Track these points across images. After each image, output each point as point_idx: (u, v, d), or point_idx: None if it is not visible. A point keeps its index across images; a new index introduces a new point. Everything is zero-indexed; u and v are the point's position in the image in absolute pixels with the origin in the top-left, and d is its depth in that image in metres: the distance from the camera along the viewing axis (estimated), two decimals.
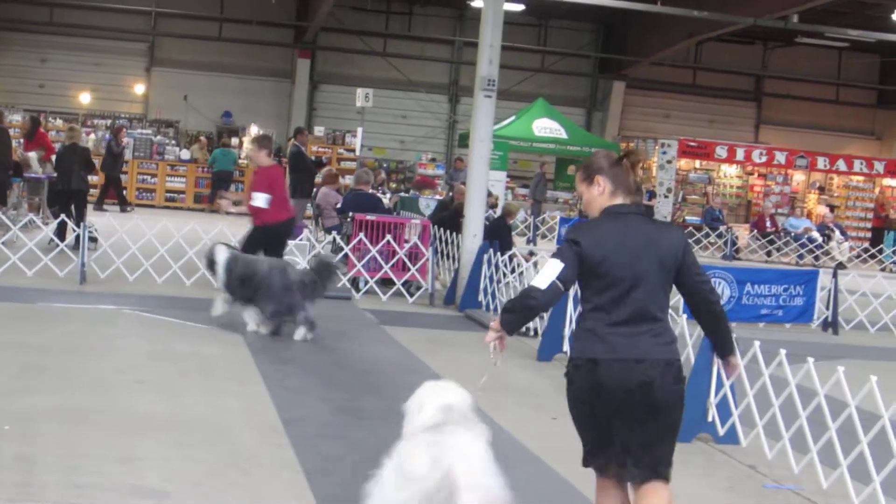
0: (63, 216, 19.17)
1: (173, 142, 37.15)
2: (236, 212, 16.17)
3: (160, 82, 42.49)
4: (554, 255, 6.17)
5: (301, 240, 18.26)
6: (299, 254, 17.78)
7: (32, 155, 23.45)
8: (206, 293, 16.32)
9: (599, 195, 6.32)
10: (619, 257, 6.07)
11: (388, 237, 17.89)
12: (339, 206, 20.24)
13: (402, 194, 30.77)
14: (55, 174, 21.69)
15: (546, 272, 6.10)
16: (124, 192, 32.11)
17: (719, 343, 6.45)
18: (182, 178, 35.02)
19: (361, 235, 17.70)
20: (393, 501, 6.32)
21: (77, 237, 17.34)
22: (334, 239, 18.77)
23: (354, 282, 17.79)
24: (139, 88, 42.54)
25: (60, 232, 18.74)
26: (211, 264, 14.02)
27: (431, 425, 6.43)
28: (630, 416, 5.97)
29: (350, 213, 18.76)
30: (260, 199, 14.39)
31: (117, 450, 8.07)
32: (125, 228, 18.16)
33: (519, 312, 6.23)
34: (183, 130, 39.97)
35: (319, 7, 38.85)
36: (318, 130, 37.06)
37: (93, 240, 17.75)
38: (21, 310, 14.02)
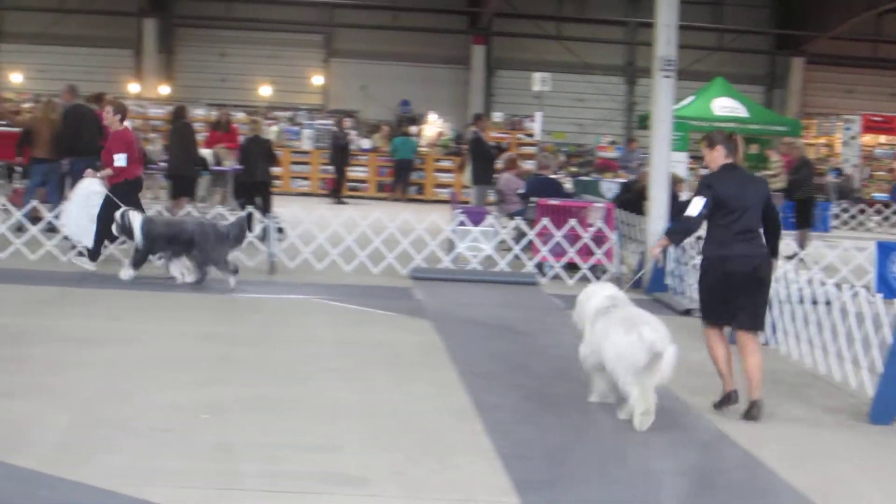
0: (250, 208, 19.47)
1: (354, 131, 37.52)
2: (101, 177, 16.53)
3: (338, 73, 42.96)
4: (697, 194, 9.83)
5: (486, 226, 18.26)
6: (485, 240, 17.81)
7: (214, 151, 23.89)
8: (394, 281, 16.50)
9: (719, 156, 9.96)
10: (735, 195, 9.71)
11: (572, 221, 17.76)
12: (521, 191, 20.20)
13: (582, 177, 30.60)
14: (240, 166, 22.08)
15: (695, 206, 9.78)
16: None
17: (773, 246, 9.92)
18: (364, 168, 35.35)
19: (545, 220, 17.61)
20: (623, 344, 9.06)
21: (264, 228, 17.61)
22: (517, 224, 18.70)
23: (540, 267, 17.70)
24: (317, 80, 43.05)
25: (247, 223, 19.03)
26: (123, 229, 15.43)
27: (604, 308, 9.66)
28: (746, 288, 9.63)
29: (533, 198, 18.70)
30: (121, 160, 15.94)
31: (313, 438, 8.15)
32: (311, 218, 18.37)
33: (681, 232, 10.34)
34: (363, 120, 40.32)
35: None
36: (497, 116, 37.05)
37: (280, 230, 18.00)
38: (214, 301, 14.29)
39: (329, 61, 43.25)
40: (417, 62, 42.53)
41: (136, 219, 15.44)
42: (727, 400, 9.68)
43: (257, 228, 18.59)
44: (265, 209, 20.12)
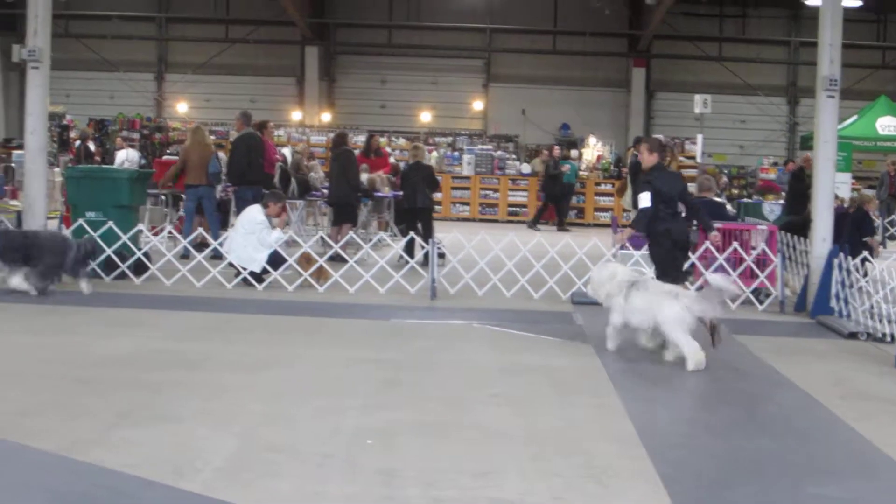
0: (411, 233, 19.62)
1: (513, 156, 37.57)
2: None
3: (498, 97, 43.09)
4: (644, 191, 13.52)
5: (647, 250, 18.09)
6: (647, 264, 17.65)
7: (369, 177, 24.10)
8: (555, 306, 16.46)
9: (653, 159, 13.68)
10: (669, 188, 13.55)
11: (735, 244, 17.53)
12: (682, 214, 20.00)
13: (744, 200, 30.21)
14: (400, 192, 22.25)
15: (645, 200, 13.47)
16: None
17: (703, 223, 14.60)
18: (524, 192, 35.37)
19: (707, 243, 17.41)
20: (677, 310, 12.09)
21: (426, 254, 17.70)
22: None
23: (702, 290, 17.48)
24: (477, 105, 43.22)
25: (409, 249, 19.18)
26: None
27: (630, 281, 12.54)
28: (683, 251, 13.96)
29: (695, 222, 18.50)
30: None
31: (476, 463, 8.12)
32: (472, 244, 18.42)
33: (640, 220, 13.71)
34: (522, 144, 40.36)
35: (653, 15, 38.63)
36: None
37: (441, 256, 18.07)
38: (376, 326, 14.40)
39: (489, 86, 43.40)
40: (577, 86, 42.45)
41: None
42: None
43: (419, 254, 18.71)
44: (426, 235, 20.24)
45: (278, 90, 42.41)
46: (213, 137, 29.48)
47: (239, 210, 19.51)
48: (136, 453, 7.97)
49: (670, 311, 12.10)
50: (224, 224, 21.63)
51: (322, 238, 18.87)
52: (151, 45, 43.47)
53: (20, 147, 30.98)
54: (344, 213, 21.08)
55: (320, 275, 17.54)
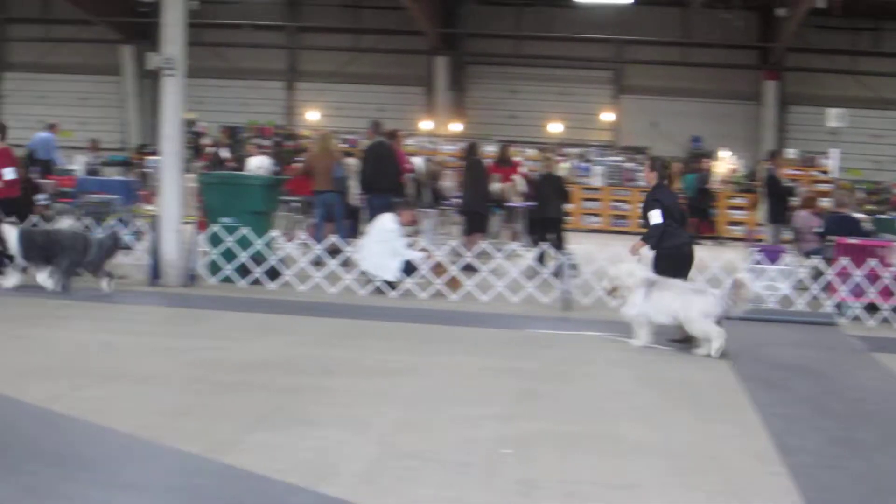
0: (543, 244, 19.60)
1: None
2: None
3: (628, 109, 42.86)
4: (654, 209, 14.31)
5: (782, 265, 17.91)
6: (782, 279, 17.47)
7: (501, 187, 24.11)
8: None
9: (654, 177, 14.78)
10: (672, 204, 14.47)
11: (872, 261, 17.23)
12: (818, 229, 19.75)
13: (880, 216, 29.69)
14: (532, 203, 22.23)
15: (656, 217, 14.25)
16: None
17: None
18: None
19: (844, 259, 17.14)
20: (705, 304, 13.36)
21: (558, 265, 17.68)
22: (815, 264, 18.24)
23: (839, 307, 17.21)
24: (607, 116, 43.05)
25: (540, 259, 19.15)
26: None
27: (651, 280, 13.73)
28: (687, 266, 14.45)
29: (830, 237, 18.25)
30: (10, 173, 17.31)
31: (613, 476, 8.07)
32: (604, 255, 18.34)
33: (653, 236, 14.38)
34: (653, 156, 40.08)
35: (784, 28, 38.15)
36: (790, 153, 36.34)
37: (573, 267, 18.03)
38: (510, 336, 14.42)
39: (619, 98, 43.20)
40: (708, 98, 42.05)
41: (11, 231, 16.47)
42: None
43: (551, 265, 18.68)
44: (558, 246, 20.21)
45: (407, 100, 42.64)
46: (343, 146, 29.72)
47: (370, 218, 19.65)
48: (276, 457, 8.04)
49: (698, 306, 13.28)
50: (355, 231, 21.80)
51: (454, 247, 18.91)
52: (282, 53, 43.93)
53: (154, 153, 31.52)
54: (475, 222, 21.12)
55: (452, 284, 17.58)
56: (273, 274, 17.89)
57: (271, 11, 42.76)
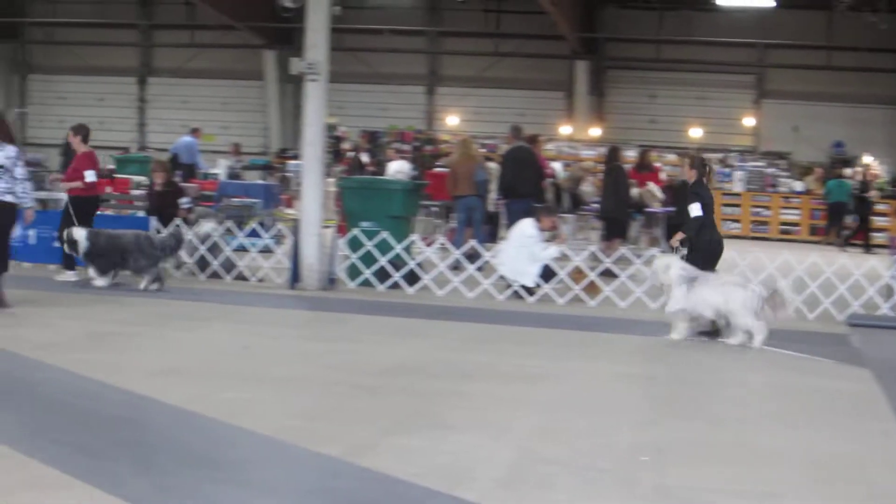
0: (681, 250, 19.44)
1: (786, 173, 36.87)
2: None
3: (769, 114, 42.24)
4: (694, 202, 14.98)
5: None
6: None
7: (640, 192, 23.99)
8: (829, 327, 16.11)
9: (693, 174, 15.24)
10: (710, 200, 15.24)
11: None
12: None
13: None
14: (671, 208, 22.07)
15: (696, 209, 14.90)
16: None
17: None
18: (796, 210, 34.69)
19: None
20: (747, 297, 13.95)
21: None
22: None
23: None
24: (748, 121, 42.51)
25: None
26: (72, 243, 16.86)
27: (690, 275, 14.07)
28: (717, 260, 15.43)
29: None
30: (91, 175, 17.35)
31: (752, 485, 7.99)
32: (745, 262, 18.17)
33: (693, 226, 15.01)
34: (794, 162, 39.53)
35: None
36: None
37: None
38: (648, 342, 14.35)
39: (760, 102, 42.62)
40: (850, 102, 41.25)
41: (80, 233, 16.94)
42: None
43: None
44: None
45: (547, 104, 42.54)
46: (482, 150, 29.80)
47: (509, 223, 19.69)
48: (413, 461, 8.11)
49: (741, 297, 13.93)
50: (494, 236, 21.85)
51: (593, 252, 18.86)
52: (423, 58, 44.14)
53: (295, 157, 31.93)
54: (614, 228, 21.04)
55: (591, 289, 17.53)
56: (412, 278, 18.00)
57: (412, 16, 43.04)
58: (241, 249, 19.52)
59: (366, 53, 42.69)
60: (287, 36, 40.87)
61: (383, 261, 17.87)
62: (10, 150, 14.26)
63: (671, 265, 14.37)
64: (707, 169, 15.87)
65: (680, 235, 15.32)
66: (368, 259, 18.00)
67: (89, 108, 44.06)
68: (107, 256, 16.96)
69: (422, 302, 16.96)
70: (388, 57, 43.19)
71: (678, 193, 21.53)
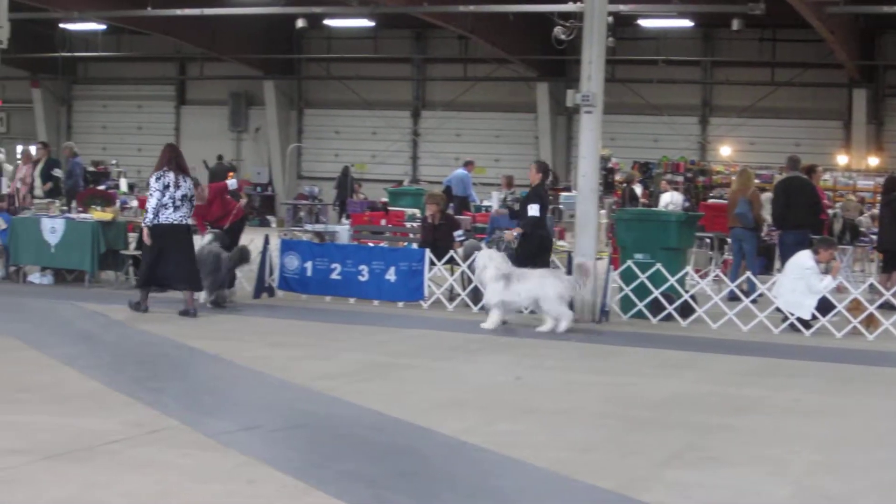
0: None
1: None
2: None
3: None
4: (533, 203, 17.67)
5: None
6: None
7: None
8: None
9: (537, 177, 18.15)
10: (546, 200, 18.73)
11: None
12: None
13: None
14: None
15: (534, 210, 17.61)
16: None
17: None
18: None
19: None
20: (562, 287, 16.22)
21: None
22: None
23: None
24: None
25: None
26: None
27: (507, 273, 16.10)
28: (548, 252, 18.63)
29: None
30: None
31: None
32: None
33: (531, 225, 17.87)
34: None
35: None
36: None
37: None
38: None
39: None
40: None
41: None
42: None
43: None
44: None
45: (823, 133, 41.54)
46: (756, 181, 29.30)
47: (782, 254, 19.32)
48: (691, 495, 8.02)
49: (553, 289, 16.07)
50: (769, 268, 21.44)
51: (872, 285, 18.32)
52: (696, 88, 43.70)
53: (567, 189, 31.98)
54: (894, 259, 20.36)
55: (870, 322, 17.02)
56: (685, 310, 17.80)
57: (685, 47, 42.65)
58: None
59: (638, 84, 42.54)
60: (560, 68, 41.10)
61: (657, 293, 17.73)
62: (190, 182, 16.96)
63: (492, 259, 16.42)
64: (549, 173, 19.36)
65: (517, 231, 18.19)
66: (642, 291, 17.89)
67: (363, 142, 45.21)
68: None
69: (695, 334, 16.75)
70: (660, 88, 42.91)
71: None
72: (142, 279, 17.18)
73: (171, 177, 16.59)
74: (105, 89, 49.66)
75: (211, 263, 17.49)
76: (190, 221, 17.12)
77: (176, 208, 16.58)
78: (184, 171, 16.84)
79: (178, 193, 16.60)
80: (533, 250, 17.77)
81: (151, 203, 16.58)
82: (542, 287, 16.10)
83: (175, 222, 16.60)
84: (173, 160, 16.77)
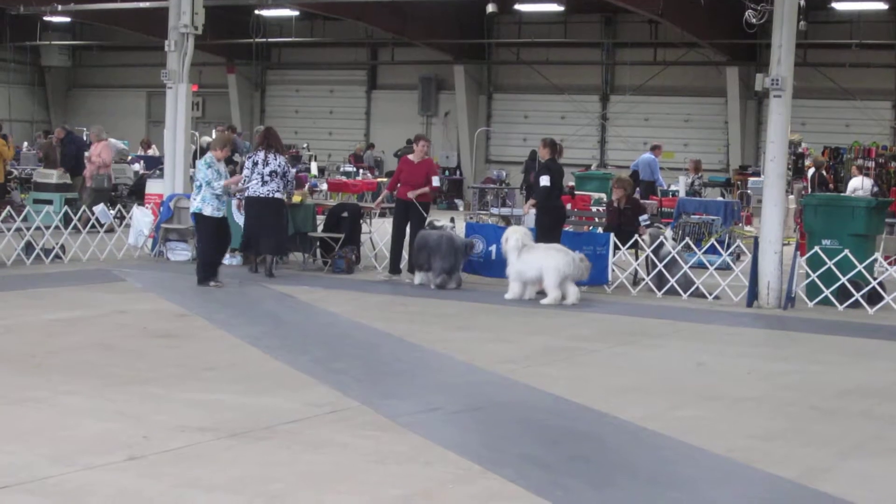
0: None
1: None
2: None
3: None
4: (543, 174, 18.58)
5: None
6: None
7: None
8: None
9: (547, 153, 18.91)
10: (559, 176, 18.84)
11: None
12: None
13: None
14: None
15: (545, 181, 18.45)
16: None
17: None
18: None
19: None
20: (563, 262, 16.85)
21: None
22: None
23: None
24: None
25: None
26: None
27: (524, 244, 17.02)
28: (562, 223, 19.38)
29: None
30: (435, 180, 19.75)
31: None
32: None
33: (544, 197, 18.62)
34: None
35: None
36: None
37: None
38: None
39: None
40: None
41: None
42: None
43: None
44: None
45: None
46: None
47: None
48: (872, 487, 7.94)
49: (553, 261, 16.81)
50: None
51: None
52: (890, 72, 42.58)
53: (755, 174, 31.59)
54: None
55: None
56: (873, 297, 17.48)
57: (879, 30, 41.66)
58: (700, 266, 19.52)
59: (830, 68, 41.69)
60: (750, 52, 40.50)
61: (844, 279, 17.45)
62: (282, 159, 18.65)
63: (510, 236, 17.27)
64: (557, 148, 19.02)
65: (533, 203, 18.99)
66: (829, 277, 17.62)
67: (551, 127, 45.10)
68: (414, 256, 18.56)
69: (883, 322, 16.43)
70: (853, 72, 41.99)
71: None
72: (242, 244, 19.39)
73: (260, 155, 18.49)
74: (298, 74, 50.43)
75: (444, 247, 18.11)
76: (279, 195, 18.58)
77: (264, 183, 18.37)
78: (278, 150, 18.64)
79: (267, 170, 18.36)
80: (550, 223, 18.57)
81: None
82: (546, 259, 16.89)
83: (261, 195, 18.41)
84: (264, 141, 18.73)
